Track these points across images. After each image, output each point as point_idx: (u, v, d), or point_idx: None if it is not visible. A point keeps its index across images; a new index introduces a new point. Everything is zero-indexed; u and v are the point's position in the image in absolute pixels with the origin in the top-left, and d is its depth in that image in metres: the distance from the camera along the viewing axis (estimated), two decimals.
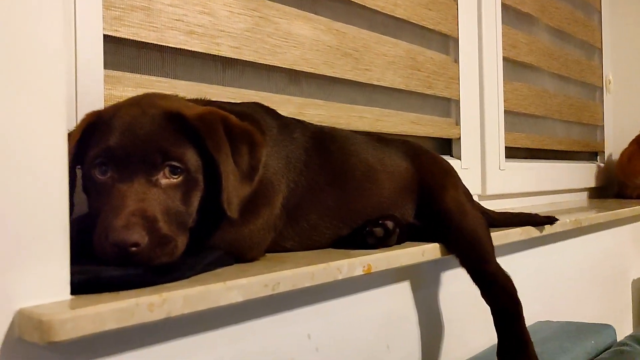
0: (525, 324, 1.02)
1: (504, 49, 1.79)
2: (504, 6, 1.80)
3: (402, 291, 1.07)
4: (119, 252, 0.62)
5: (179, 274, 0.68)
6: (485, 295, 1.01)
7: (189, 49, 0.98)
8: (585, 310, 1.73)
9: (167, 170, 0.68)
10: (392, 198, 0.99)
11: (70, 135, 0.66)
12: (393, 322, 1.04)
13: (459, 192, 1.06)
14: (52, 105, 0.58)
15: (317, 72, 1.21)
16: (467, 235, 1.01)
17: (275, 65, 1.13)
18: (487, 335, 1.28)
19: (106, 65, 0.87)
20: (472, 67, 1.67)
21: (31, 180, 0.57)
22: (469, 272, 1.02)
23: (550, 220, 1.24)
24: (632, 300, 2.01)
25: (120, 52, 0.92)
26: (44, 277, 0.58)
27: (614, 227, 1.89)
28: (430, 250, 0.98)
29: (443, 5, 1.58)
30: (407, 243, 0.98)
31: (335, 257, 0.83)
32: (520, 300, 1.01)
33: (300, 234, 0.87)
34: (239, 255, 0.78)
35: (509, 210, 1.39)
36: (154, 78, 0.96)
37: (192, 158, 0.70)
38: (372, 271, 0.86)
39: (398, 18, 1.44)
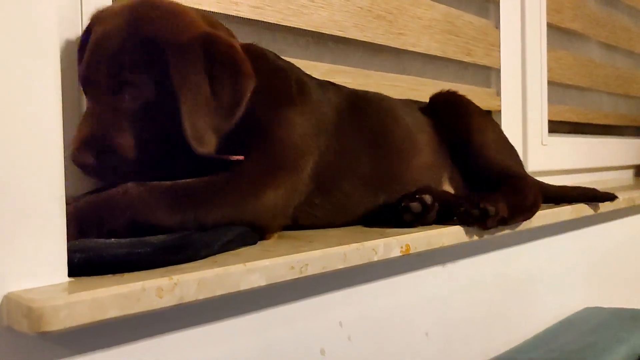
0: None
1: (547, 13, 1.66)
2: None
3: (441, 275, 0.97)
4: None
5: (192, 253, 0.60)
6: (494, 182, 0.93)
7: (205, 8, 0.89)
8: (634, 295, 1.61)
9: (128, 93, 0.65)
10: (433, 160, 0.92)
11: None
12: (432, 308, 0.95)
13: (493, 134, 1.00)
14: (42, 48, 0.50)
15: (346, 35, 1.11)
16: (497, 166, 0.95)
17: (300, 27, 1.03)
18: (532, 324, 1.19)
19: None
20: (514, 33, 1.55)
21: (19, 140, 0.49)
22: (493, 182, 0.93)
23: (610, 197, 1.13)
24: None
25: None
26: (36, 255, 0.50)
27: None
28: (473, 231, 0.88)
29: None
30: (447, 221, 0.89)
31: (369, 236, 0.74)
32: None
33: (333, 203, 0.79)
34: (260, 225, 0.69)
35: None
36: None
37: (148, 80, 0.64)
38: (410, 252, 0.77)
39: None
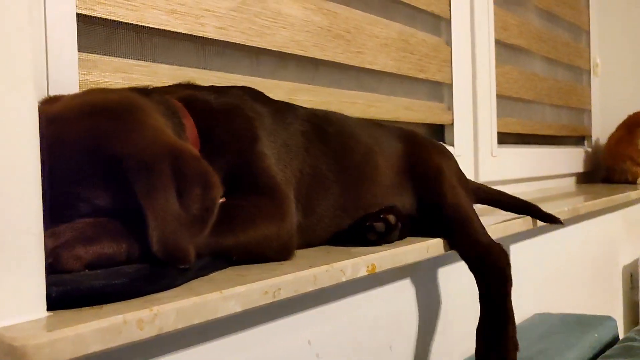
0: (511, 303, 0.95)
1: (495, 30, 1.73)
2: None
3: (403, 289, 1.01)
4: None
5: (168, 281, 0.61)
6: (472, 269, 0.95)
7: (171, 29, 0.90)
8: (580, 300, 1.70)
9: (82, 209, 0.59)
10: (392, 183, 0.94)
11: None
12: (395, 321, 0.98)
13: (452, 175, 1.01)
14: (20, 87, 0.50)
15: (307, 54, 1.14)
16: (458, 216, 0.95)
17: (263, 47, 1.05)
18: None
19: (80, 48, 0.78)
20: (464, 50, 1.61)
21: None
22: (460, 250, 0.95)
23: (555, 220, 1.18)
24: (623, 286, 1.99)
25: (94, 33, 0.83)
26: (14, 291, 0.50)
27: (606, 214, 1.86)
28: (434, 246, 0.92)
29: None
30: (409, 239, 0.92)
31: (336, 257, 0.77)
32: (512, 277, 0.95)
33: (309, 225, 0.81)
34: (289, 246, 0.73)
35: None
36: (132, 62, 0.87)
37: (111, 199, 0.60)
38: (376, 271, 0.80)
39: None
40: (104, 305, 0.54)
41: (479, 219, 0.96)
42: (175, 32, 0.91)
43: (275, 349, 0.76)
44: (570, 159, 2.28)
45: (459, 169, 1.06)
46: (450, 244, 0.94)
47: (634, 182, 2.25)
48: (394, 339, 0.97)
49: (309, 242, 0.83)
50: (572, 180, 2.33)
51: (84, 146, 0.59)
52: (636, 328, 1.11)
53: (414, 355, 1.02)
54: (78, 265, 0.57)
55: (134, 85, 0.76)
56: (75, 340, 0.48)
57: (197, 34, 0.93)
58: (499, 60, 1.76)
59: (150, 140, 0.61)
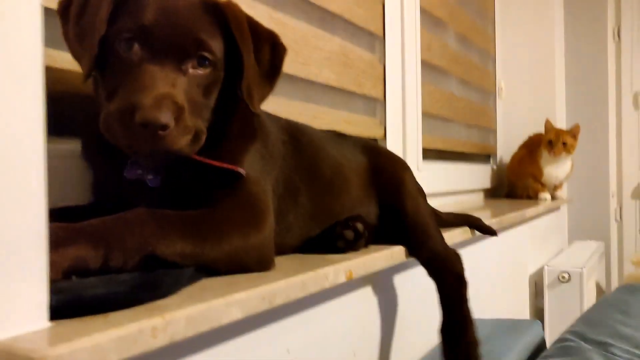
0: (468, 303, 1.00)
1: (421, 51, 1.81)
2: (421, 9, 1.83)
3: (365, 296, 1.02)
4: (146, 133, 0.58)
5: (166, 290, 0.58)
6: (431, 274, 0.99)
7: None
8: (497, 308, 1.80)
9: (196, 60, 0.65)
10: (358, 194, 0.95)
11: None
12: (358, 328, 0.99)
13: (413, 187, 1.04)
14: (24, 66, 0.46)
15: None
16: (418, 223, 0.99)
17: None
18: (429, 337, 1.28)
19: None
20: (396, 68, 1.67)
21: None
22: (419, 257, 0.99)
23: (492, 232, 1.26)
24: (529, 294, 2.14)
25: None
26: (18, 300, 0.46)
27: (517, 226, 1.99)
28: (397, 253, 0.94)
29: (370, 3, 1.56)
30: (372, 247, 0.94)
31: (313, 265, 0.76)
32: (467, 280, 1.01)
33: (281, 232, 0.80)
34: (267, 257, 0.71)
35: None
36: None
37: (220, 51, 0.68)
38: (352, 277, 0.81)
39: (332, 12, 1.40)
40: (109, 314, 0.51)
41: (438, 227, 1.00)
42: None
43: (255, 358, 0.74)
44: (480, 175, 2.42)
45: (416, 180, 1.10)
46: (410, 251, 0.97)
47: (535, 198, 2.43)
48: (357, 346, 0.98)
49: (279, 250, 0.82)
50: (481, 195, 2.48)
51: (202, 2, 0.67)
52: (567, 330, 1.20)
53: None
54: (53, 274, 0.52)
55: None
56: (94, 350, 0.45)
57: None
58: (423, 80, 1.85)
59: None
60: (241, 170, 0.69)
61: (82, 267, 0.55)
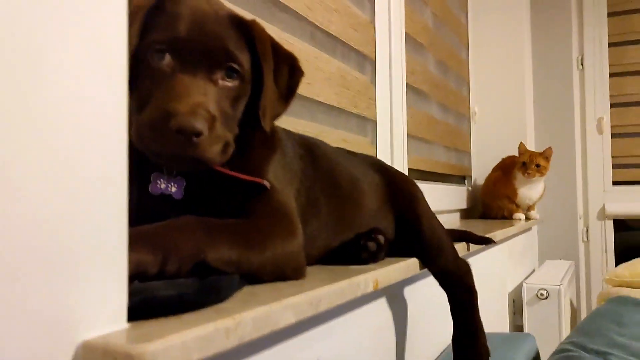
0: (479, 314, 1.05)
1: (406, 75, 1.87)
2: (406, 34, 1.89)
3: (381, 306, 1.05)
4: (180, 139, 0.59)
5: (224, 294, 0.59)
6: (443, 285, 1.04)
7: None
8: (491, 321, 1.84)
9: (225, 72, 0.67)
10: (375, 208, 0.98)
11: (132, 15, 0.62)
12: (375, 337, 1.01)
13: (425, 203, 1.08)
14: (111, 68, 0.48)
15: None
16: (433, 238, 1.02)
17: None
18: (433, 347, 1.31)
19: None
20: (385, 89, 1.72)
21: (86, 174, 0.46)
22: (432, 269, 1.04)
23: (487, 241, 1.30)
24: (509, 310, 2.19)
25: None
26: (101, 300, 0.47)
27: (496, 245, 2.05)
28: (413, 265, 0.97)
29: (363, 27, 1.61)
30: (387, 259, 0.97)
31: (342, 275, 0.79)
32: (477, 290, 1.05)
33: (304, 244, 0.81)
34: (301, 265, 0.72)
35: None
36: None
37: (247, 64, 0.70)
38: (378, 287, 0.83)
39: (332, 35, 1.44)
40: (182, 315, 0.52)
41: (451, 241, 1.04)
42: None
43: None
44: (456, 196, 2.49)
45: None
46: (425, 264, 1.01)
47: (509, 218, 2.51)
48: (375, 354, 1.00)
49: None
50: (457, 215, 2.55)
51: (230, 17, 0.70)
52: (564, 341, 1.25)
53: None
54: None
55: None
56: (182, 347, 0.46)
57: None
58: (408, 103, 1.91)
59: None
60: (266, 183, 0.71)
61: (142, 271, 0.56)
